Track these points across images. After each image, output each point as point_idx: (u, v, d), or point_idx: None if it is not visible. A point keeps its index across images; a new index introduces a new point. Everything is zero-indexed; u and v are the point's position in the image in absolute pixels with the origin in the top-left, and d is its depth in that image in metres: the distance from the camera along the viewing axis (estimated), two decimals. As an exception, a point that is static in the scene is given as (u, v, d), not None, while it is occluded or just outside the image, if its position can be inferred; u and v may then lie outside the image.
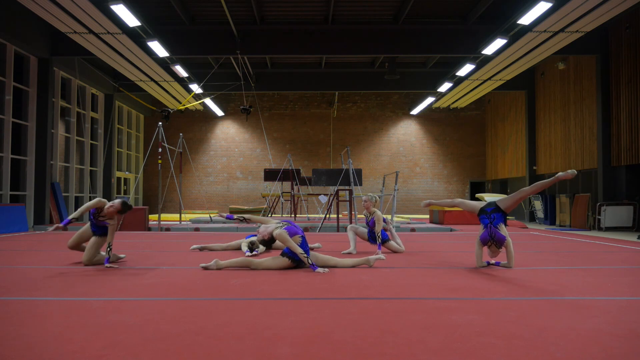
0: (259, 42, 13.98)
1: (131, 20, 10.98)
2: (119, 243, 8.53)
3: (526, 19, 11.01)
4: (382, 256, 5.69)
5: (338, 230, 12.06)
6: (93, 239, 5.80)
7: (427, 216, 19.87)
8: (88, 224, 5.92)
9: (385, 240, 6.99)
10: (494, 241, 5.38)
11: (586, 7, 10.41)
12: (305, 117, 23.65)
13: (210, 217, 15.62)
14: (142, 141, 23.67)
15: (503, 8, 12.71)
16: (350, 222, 12.01)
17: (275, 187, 17.09)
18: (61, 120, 16.64)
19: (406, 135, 23.63)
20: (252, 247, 7.04)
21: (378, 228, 6.66)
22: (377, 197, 7.13)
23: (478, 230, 5.62)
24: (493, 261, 5.64)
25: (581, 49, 14.39)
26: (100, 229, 5.75)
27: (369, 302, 3.82)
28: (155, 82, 16.87)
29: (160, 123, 13.03)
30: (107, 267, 5.54)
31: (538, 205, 17.73)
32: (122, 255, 6.25)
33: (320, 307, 3.61)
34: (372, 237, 6.93)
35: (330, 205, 13.22)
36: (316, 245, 7.57)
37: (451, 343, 2.71)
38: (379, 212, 6.79)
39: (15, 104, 13.83)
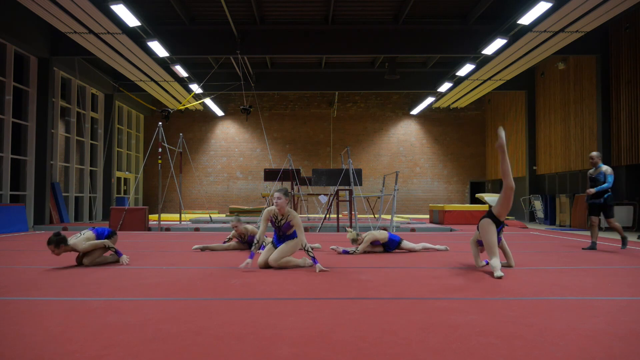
0: (259, 42, 13.98)
1: (131, 20, 10.99)
2: (119, 243, 8.51)
3: (526, 19, 11.01)
4: (324, 268, 5.60)
5: (338, 230, 12.06)
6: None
7: (427, 216, 19.88)
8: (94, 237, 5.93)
9: (398, 243, 7.26)
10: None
11: (586, 7, 10.41)
12: (305, 117, 23.65)
13: (210, 217, 15.61)
14: (142, 141, 23.67)
15: (503, 8, 12.71)
16: (350, 223, 12.03)
17: (275, 187, 17.07)
18: (61, 120, 16.64)
19: (406, 135, 23.63)
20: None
21: (363, 246, 7.12)
22: (362, 235, 7.28)
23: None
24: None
25: (581, 49, 14.39)
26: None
27: (369, 302, 3.82)
28: (155, 82, 16.87)
29: (160, 123, 13.04)
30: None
31: (538, 205, 17.73)
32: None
33: (320, 307, 3.61)
34: (385, 247, 7.26)
35: (330, 205, 13.22)
36: (316, 245, 7.58)
37: (451, 343, 2.71)
38: (368, 237, 7.16)
39: (15, 104, 13.83)
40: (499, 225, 5.37)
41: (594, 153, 7.83)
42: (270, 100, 23.53)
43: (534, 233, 11.95)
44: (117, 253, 5.91)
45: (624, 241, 7.75)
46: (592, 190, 7.61)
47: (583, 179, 15.74)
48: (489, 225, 5.30)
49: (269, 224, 5.63)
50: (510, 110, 20.94)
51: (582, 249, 7.82)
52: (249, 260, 5.32)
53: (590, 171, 7.87)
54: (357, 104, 23.63)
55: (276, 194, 5.52)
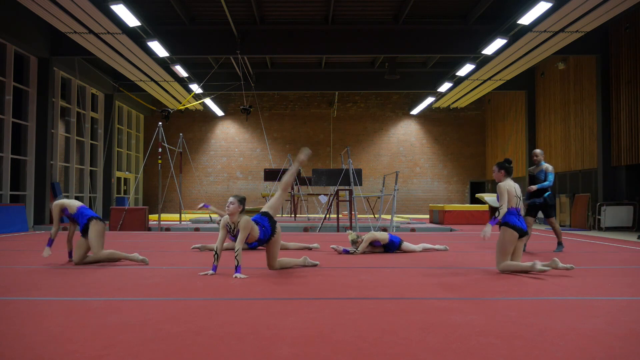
0: (259, 42, 13.98)
1: (131, 20, 10.98)
2: (119, 243, 8.53)
3: (526, 19, 11.01)
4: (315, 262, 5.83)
5: (338, 231, 12.05)
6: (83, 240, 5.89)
7: (427, 216, 19.87)
8: (75, 231, 6.06)
9: (399, 245, 7.28)
10: None
11: (586, 7, 10.41)
12: (305, 117, 23.65)
13: (210, 217, 15.62)
14: (142, 141, 23.67)
15: (503, 8, 12.70)
16: (350, 223, 12.03)
17: (275, 187, 17.07)
18: (61, 120, 16.64)
19: (406, 135, 23.63)
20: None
21: (363, 246, 7.11)
22: (361, 237, 7.29)
23: (476, 229, 5.60)
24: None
25: (581, 49, 14.39)
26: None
27: (369, 302, 3.82)
28: (155, 82, 16.87)
29: (160, 123, 13.04)
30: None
31: (538, 205, 17.69)
32: (140, 257, 6.04)
33: (320, 307, 3.61)
34: (386, 249, 7.27)
35: (330, 205, 13.22)
36: (314, 245, 7.58)
37: (451, 343, 2.71)
38: (367, 236, 7.18)
39: (15, 104, 13.83)
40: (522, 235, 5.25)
41: (537, 150, 7.73)
42: (270, 100, 23.53)
43: (534, 233, 11.94)
44: (48, 242, 5.77)
45: (559, 245, 7.61)
46: (534, 187, 7.39)
47: (583, 179, 15.74)
48: (512, 235, 5.16)
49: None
50: (510, 110, 20.94)
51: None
52: (210, 271, 5.08)
53: (531, 168, 7.78)
54: (357, 104, 23.63)
55: (230, 199, 5.21)
